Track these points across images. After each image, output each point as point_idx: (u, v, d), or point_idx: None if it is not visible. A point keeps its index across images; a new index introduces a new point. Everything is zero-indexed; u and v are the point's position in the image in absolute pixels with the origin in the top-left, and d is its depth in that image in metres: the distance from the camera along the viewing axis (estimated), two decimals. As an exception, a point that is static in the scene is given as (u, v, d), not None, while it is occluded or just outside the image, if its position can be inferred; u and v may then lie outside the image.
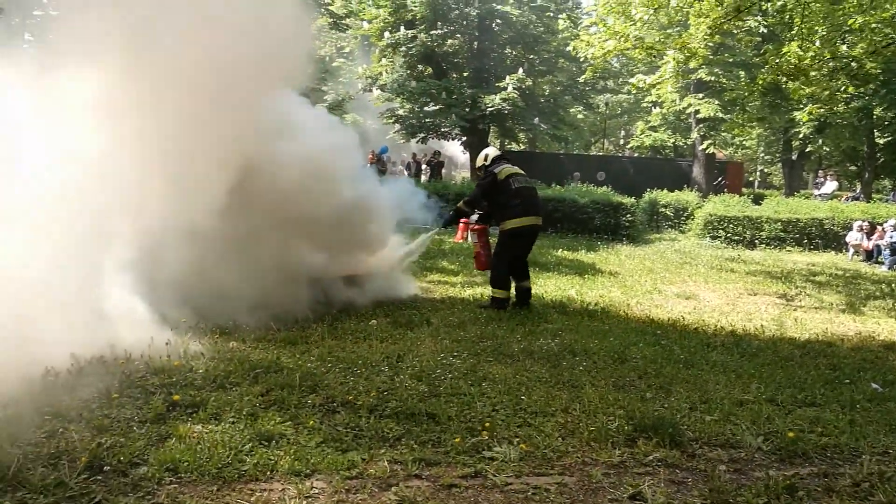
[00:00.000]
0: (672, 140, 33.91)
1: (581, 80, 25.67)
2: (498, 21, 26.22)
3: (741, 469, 3.93)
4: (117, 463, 3.50)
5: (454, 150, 34.24)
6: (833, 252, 17.13)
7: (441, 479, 3.57)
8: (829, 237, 17.56)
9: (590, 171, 26.76)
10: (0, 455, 3.46)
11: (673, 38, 12.89)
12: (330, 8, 22.62)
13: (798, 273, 13.21)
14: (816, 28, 11.67)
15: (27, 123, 5.27)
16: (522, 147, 36.10)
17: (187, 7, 5.82)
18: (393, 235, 8.25)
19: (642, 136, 34.58)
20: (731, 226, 18.03)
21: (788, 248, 17.46)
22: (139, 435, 3.85)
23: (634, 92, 24.56)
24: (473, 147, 26.28)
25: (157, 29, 5.54)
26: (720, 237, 17.98)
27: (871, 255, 15.90)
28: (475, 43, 26.83)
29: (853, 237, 16.41)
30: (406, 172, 27.21)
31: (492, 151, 8.27)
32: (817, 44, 11.53)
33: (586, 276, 10.95)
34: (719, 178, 28.27)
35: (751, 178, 48.32)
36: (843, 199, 24.22)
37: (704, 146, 25.06)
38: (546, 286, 9.55)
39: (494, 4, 25.20)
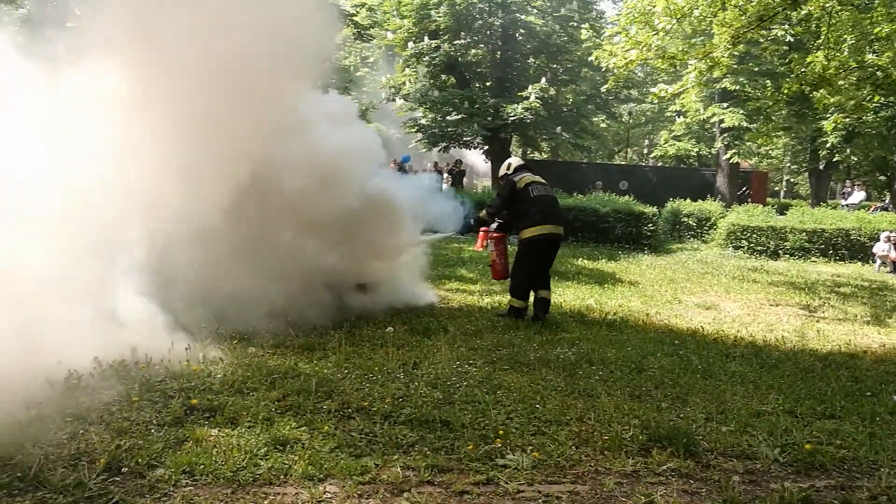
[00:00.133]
0: (696, 150, 33.64)
1: (603, 89, 25.60)
2: (521, 31, 26.31)
3: (756, 480, 3.90)
4: (135, 465, 3.57)
5: (475, 159, 34.29)
6: (859, 263, 16.87)
7: (453, 486, 3.58)
8: (855, 248, 17.28)
9: (613, 180, 26.63)
10: (22, 455, 3.55)
11: (696, 47, 12.84)
12: (354, 19, 22.84)
13: (822, 284, 13.03)
14: (845, 36, 11.56)
15: (47, 122, 5.35)
16: (545, 156, 36.05)
17: (198, 4, 5.89)
18: (414, 238, 8.18)
19: (666, 145, 34.32)
20: (754, 236, 17.82)
21: (813, 258, 17.22)
22: (157, 438, 3.91)
23: (657, 101, 24.38)
24: (495, 156, 26.30)
25: (168, 26, 5.59)
26: (743, 247, 17.78)
27: (898, 267, 15.64)
28: (498, 53, 26.89)
29: (880, 248, 16.14)
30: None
31: (515, 161, 8.27)
32: (845, 53, 11.43)
33: (606, 285, 10.91)
34: (743, 188, 27.99)
35: (776, 188, 47.78)
36: (871, 209, 23.87)
37: (728, 156, 24.85)
38: (565, 295, 9.53)
39: (518, 14, 25.27)
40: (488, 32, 25.84)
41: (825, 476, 4.03)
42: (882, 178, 30.05)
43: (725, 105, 24.35)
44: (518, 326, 7.31)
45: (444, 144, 26.74)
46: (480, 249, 14.01)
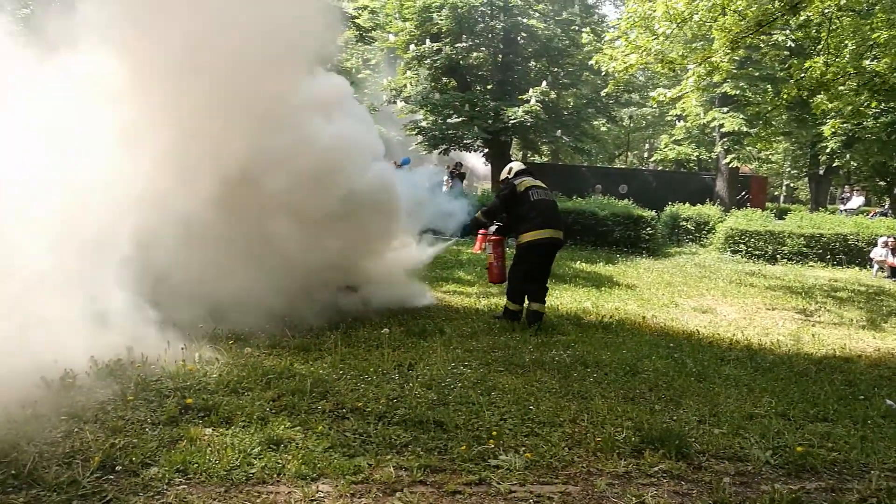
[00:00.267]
0: (696, 154, 33.67)
1: (604, 93, 25.62)
2: (523, 34, 26.31)
3: (747, 482, 3.93)
4: (129, 463, 3.59)
5: (476, 161, 34.33)
6: (857, 268, 16.90)
7: (445, 486, 3.61)
8: (853, 253, 17.31)
9: (613, 183, 26.67)
10: (17, 453, 3.57)
11: (696, 51, 12.86)
12: (356, 21, 22.88)
13: (819, 288, 13.06)
14: (846, 42, 11.59)
15: (37, 118, 5.36)
16: (545, 159, 36.06)
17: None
18: (406, 235, 8.18)
19: (666, 149, 34.37)
20: (752, 240, 17.86)
21: (811, 263, 17.25)
22: (151, 436, 3.94)
23: (655, 105, 24.42)
24: (495, 159, 26.33)
25: (161, 16, 5.60)
26: (741, 251, 17.82)
27: (895, 272, 15.66)
28: (500, 56, 26.93)
29: (878, 253, 16.17)
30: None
31: (516, 165, 8.26)
32: (846, 58, 11.45)
33: (603, 288, 10.93)
34: (743, 193, 28.01)
35: (776, 193, 47.79)
36: (870, 214, 23.86)
37: (728, 160, 24.87)
38: (562, 298, 9.55)
39: (520, 18, 25.29)
40: (490, 36, 25.87)
41: (816, 478, 4.05)
42: (882, 183, 30.04)
43: (725, 109, 24.37)
44: (514, 329, 7.33)
45: (444, 147, 26.78)
46: (478, 252, 14.03)
